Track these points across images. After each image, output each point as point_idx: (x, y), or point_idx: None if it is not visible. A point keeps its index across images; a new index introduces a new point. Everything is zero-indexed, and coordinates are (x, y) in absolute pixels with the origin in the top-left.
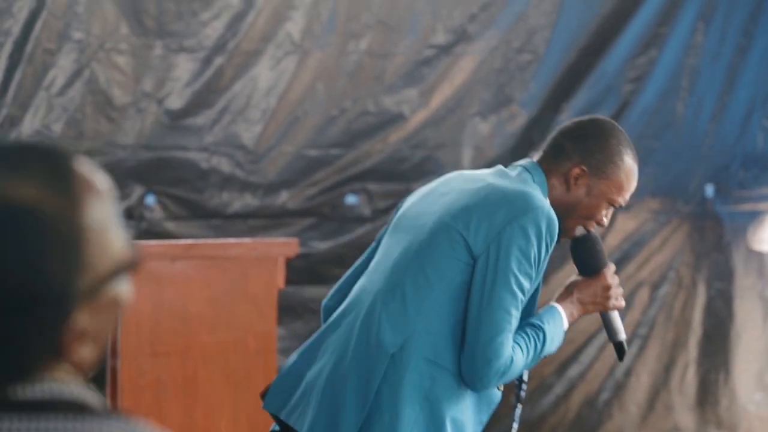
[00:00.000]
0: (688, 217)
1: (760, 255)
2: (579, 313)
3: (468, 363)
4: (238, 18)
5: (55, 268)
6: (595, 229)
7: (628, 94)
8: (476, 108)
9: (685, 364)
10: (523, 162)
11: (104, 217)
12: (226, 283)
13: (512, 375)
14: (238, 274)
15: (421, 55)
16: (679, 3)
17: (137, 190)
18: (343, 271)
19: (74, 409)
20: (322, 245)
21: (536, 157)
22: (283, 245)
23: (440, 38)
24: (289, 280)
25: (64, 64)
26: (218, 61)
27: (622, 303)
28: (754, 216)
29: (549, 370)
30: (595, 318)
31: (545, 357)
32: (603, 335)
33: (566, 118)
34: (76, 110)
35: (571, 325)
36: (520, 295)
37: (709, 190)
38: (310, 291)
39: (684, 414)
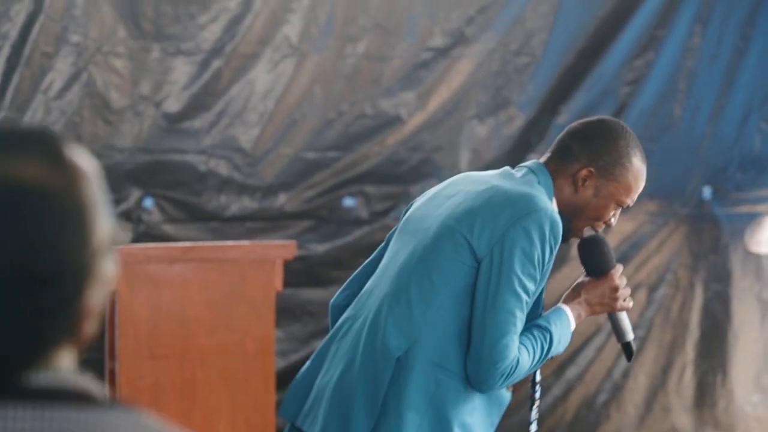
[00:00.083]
0: (685, 219)
1: (757, 257)
2: (586, 313)
3: (473, 365)
4: (235, 21)
5: (66, 244)
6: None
7: (625, 96)
8: (474, 111)
9: (682, 366)
10: (529, 163)
11: (97, 195)
12: (224, 286)
13: (518, 376)
14: (236, 277)
15: (418, 58)
16: (676, 6)
17: (135, 193)
18: (341, 273)
19: (80, 398)
20: (319, 248)
21: (543, 158)
22: (280, 248)
23: (437, 41)
24: (287, 283)
25: (62, 68)
26: (216, 64)
27: (630, 304)
28: (751, 218)
29: (547, 372)
30: (593, 320)
31: (552, 358)
32: (601, 337)
33: (564, 121)
34: (73, 113)
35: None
36: (524, 296)
37: (707, 192)
38: (308, 293)
39: (681, 415)
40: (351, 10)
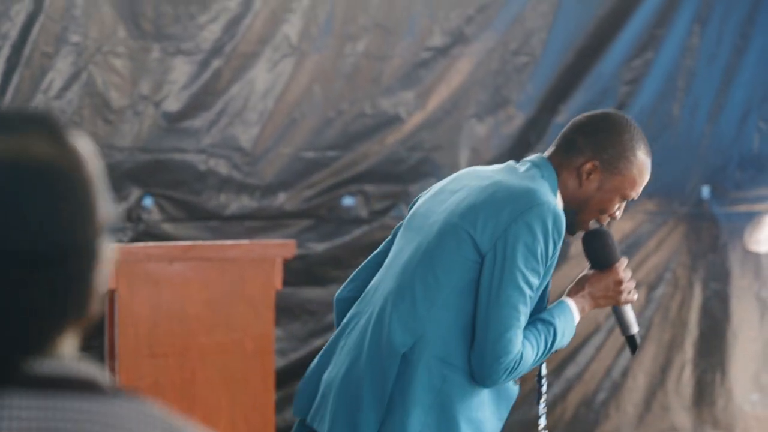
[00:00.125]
0: (684, 218)
1: (756, 256)
2: (590, 307)
3: (477, 360)
4: (235, 21)
5: (75, 221)
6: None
7: (624, 95)
8: (473, 110)
9: (681, 365)
10: (532, 157)
11: (98, 174)
12: (223, 285)
13: (522, 371)
14: (235, 276)
15: (417, 57)
16: (675, 5)
17: (135, 192)
18: (341, 272)
19: (85, 387)
20: (319, 247)
21: (548, 152)
22: (280, 247)
23: (437, 40)
24: (287, 282)
25: (62, 67)
26: (215, 63)
27: (635, 297)
28: (750, 217)
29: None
30: (592, 319)
31: (556, 351)
32: (600, 336)
33: (563, 120)
34: (73, 113)
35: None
36: (528, 291)
37: (706, 191)
38: (307, 292)
39: (680, 414)
40: (351, 10)
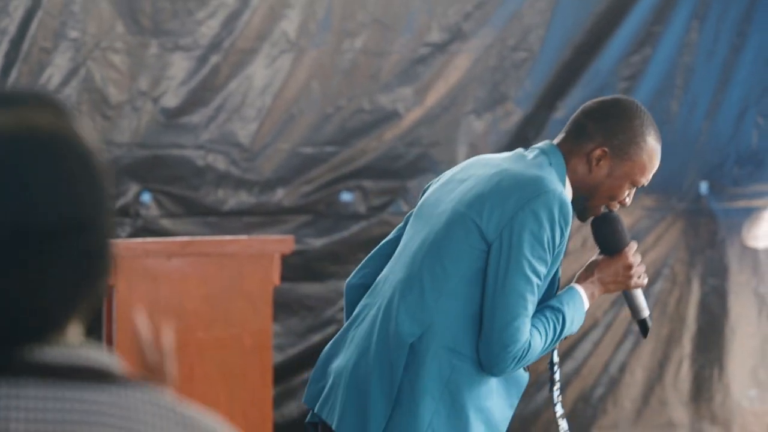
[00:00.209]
0: (682, 214)
1: (754, 252)
2: (600, 292)
3: (485, 349)
4: (233, 16)
5: (85, 193)
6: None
7: (622, 92)
8: (471, 106)
9: (679, 360)
10: (541, 144)
11: (100, 150)
12: (221, 280)
13: (531, 359)
14: (233, 271)
15: (416, 53)
16: (673, 1)
17: (133, 188)
18: (339, 268)
19: (99, 377)
20: (317, 242)
21: (557, 138)
22: (278, 242)
23: (435, 36)
24: (285, 277)
25: (60, 63)
26: (214, 59)
27: (645, 281)
28: (748, 213)
29: (544, 366)
30: (590, 314)
31: (565, 338)
32: (597, 331)
33: (561, 117)
34: (72, 108)
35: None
36: (535, 279)
37: (704, 187)
38: (305, 288)
39: (678, 409)
40: (349, 6)
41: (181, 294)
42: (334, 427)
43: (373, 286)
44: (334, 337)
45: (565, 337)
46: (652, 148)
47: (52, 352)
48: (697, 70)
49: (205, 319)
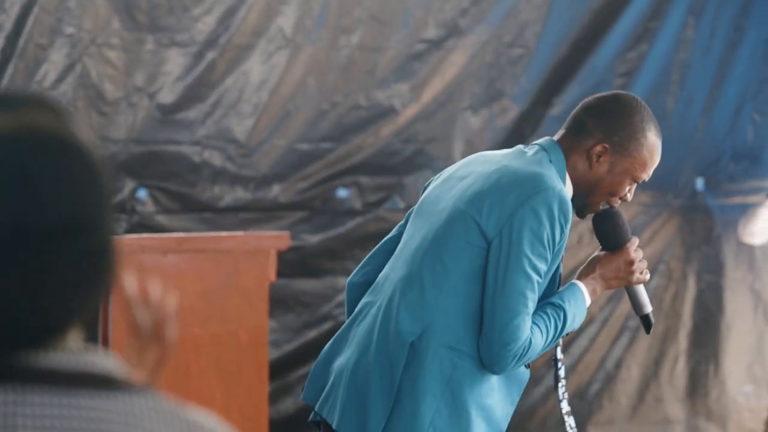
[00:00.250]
0: (678, 211)
1: (750, 248)
2: (602, 288)
3: (486, 347)
4: (229, 13)
5: (88, 192)
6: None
7: (618, 88)
8: (467, 102)
9: (675, 356)
10: (541, 141)
11: (99, 150)
12: (217, 277)
13: (532, 356)
14: (229, 268)
15: (412, 49)
16: None
17: (129, 184)
18: (335, 264)
19: (104, 384)
20: (313, 238)
21: (557, 134)
22: (274, 238)
23: (431, 33)
24: (281, 273)
25: (56, 59)
26: (210, 55)
27: (647, 277)
28: (744, 209)
29: (539, 362)
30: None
31: (567, 334)
32: (593, 328)
33: (557, 113)
34: (68, 105)
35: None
36: (535, 276)
37: (700, 183)
38: (301, 284)
39: (674, 405)
40: (345, 2)
41: (177, 290)
42: (334, 426)
43: (374, 284)
44: (335, 335)
45: (567, 334)
46: (653, 144)
47: (56, 358)
48: (693, 67)
49: (201, 315)
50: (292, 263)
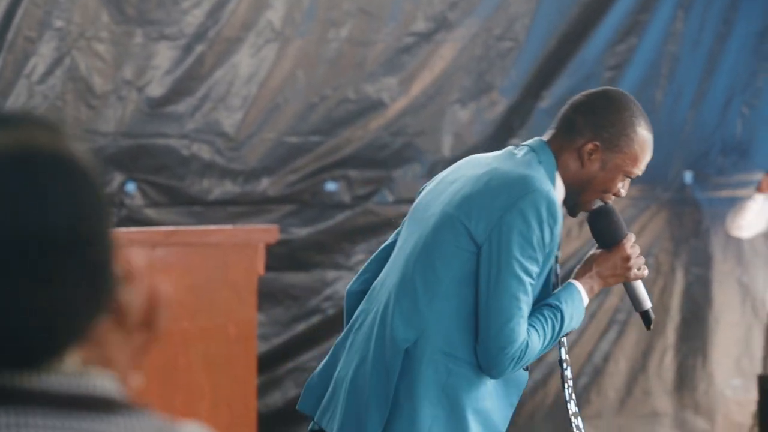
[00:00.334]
0: (667, 204)
1: (738, 241)
2: (599, 286)
3: (482, 352)
4: (218, 6)
5: (88, 206)
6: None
7: (608, 81)
8: (456, 95)
9: (663, 350)
10: (531, 141)
11: (94, 166)
12: (206, 270)
13: (530, 359)
14: (218, 261)
15: (401, 42)
16: None
17: (118, 178)
18: (324, 257)
19: (104, 407)
20: (302, 232)
21: (547, 134)
22: (263, 232)
23: (420, 26)
24: (270, 267)
25: (45, 52)
26: (199, 48)
27: (645, 272)
28: (732, 202)
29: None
30: None
31: (566, 334)
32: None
33: (546, 106)
34: (56, 98)
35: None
36: (527, 279)
37: (688, 176)
38: (290, 277)
39: (662, 399)
40: None
41: (166, 284)
42: None
43: (370, 291)
44: (334, 345)
45: (566, 334)
46: (644, 139)
47: (57, 380)
48: (682, 60)
49: (190, 308)
50: (281, 257)
